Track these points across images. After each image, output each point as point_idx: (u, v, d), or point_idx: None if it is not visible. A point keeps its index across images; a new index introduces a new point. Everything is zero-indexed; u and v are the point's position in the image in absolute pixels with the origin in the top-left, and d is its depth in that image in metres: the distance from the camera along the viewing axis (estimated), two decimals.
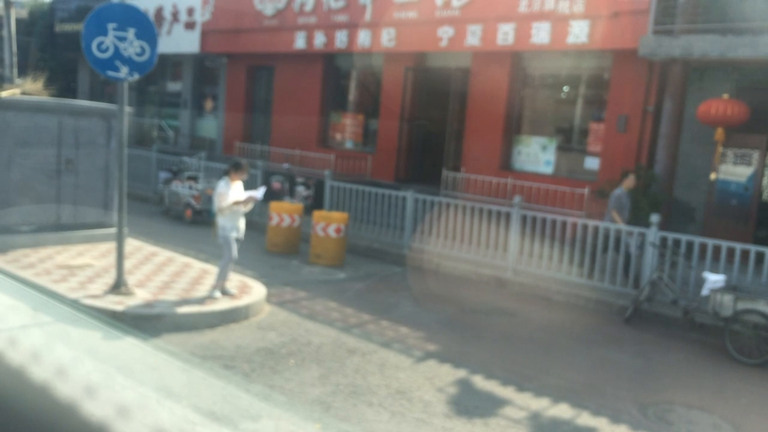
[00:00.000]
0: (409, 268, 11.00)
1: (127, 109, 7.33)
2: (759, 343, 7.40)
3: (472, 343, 7.36)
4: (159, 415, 0.74)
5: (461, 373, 6.33)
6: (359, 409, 5.29)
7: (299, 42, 17.08)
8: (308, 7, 16.84)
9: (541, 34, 12.77)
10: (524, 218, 10.42)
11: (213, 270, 8.57)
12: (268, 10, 17.77)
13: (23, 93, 9.59)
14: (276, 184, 14.91)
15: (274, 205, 11.50)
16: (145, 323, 6.74)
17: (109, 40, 6.99)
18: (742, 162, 11.52)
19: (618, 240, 9.72)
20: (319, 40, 16.59)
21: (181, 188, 13.78)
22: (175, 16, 20.51)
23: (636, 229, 9.49)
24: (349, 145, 17.87)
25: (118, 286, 7.30)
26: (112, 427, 0.70)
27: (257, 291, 8.03)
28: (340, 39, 16.11)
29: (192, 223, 13.28)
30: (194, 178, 14.24)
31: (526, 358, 7.02)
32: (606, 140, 12.91)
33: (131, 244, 9.37)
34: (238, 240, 7.67)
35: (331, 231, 10.58)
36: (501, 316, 8.66)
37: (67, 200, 9.59)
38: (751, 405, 6.29)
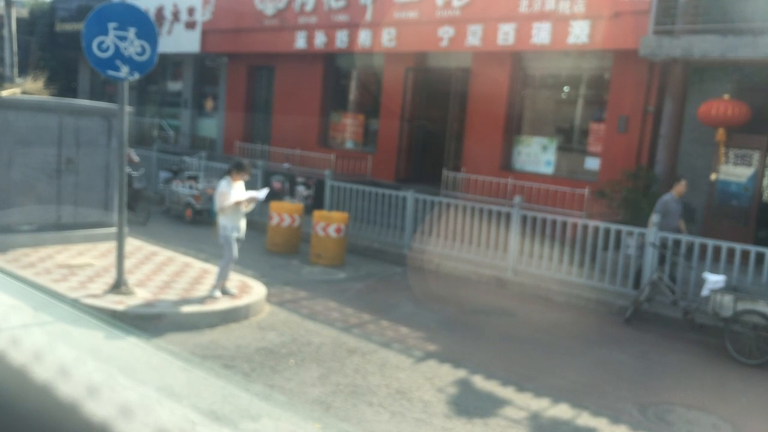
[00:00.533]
0: (409, 268, 10.99)
1: (128, 108, 7.33)
2: (759, 344, 7.40)
3: (472, 343, 7.36)
4: (160, 415, 0.74)
5: (461, 373, 6.33)
6: (359, 409, 5.29)
7: (300, 42, 17.08)
8: (309, 6, 16.84)
9: (541, 34, 12.77)
10: (524, 218, 10.42)
11: (213, 270, 8.58)
12: (269, 9, 17.77)
13: (24, 92, 9.60)
14: (276, 184, 14.91)
15: (274, 205, 11.50)
16: (145, 323, 6.74)
17: (109, 39, 7.00)
18: (743, 162, 11.52)
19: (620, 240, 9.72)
20: (320, 39, 16.60)
21: (182, 188, 13.79)
22: (176, 15, 20.52)
23: (636, 230, 9.49)
24: (349, 145, 17.88)
25: (119, 286, 7.30)
26: (114, 427, 0.70)
27: (257, 291, 8.03)
28: (341, 39, 16.11)
29: (192, 222, 13.29)
30: (194, 178, 14.25)
31: (526, 358, 7.02)
32: (606, 140, 12.91)
33: (131, 243, 9.38)
34: (238, 240, 7.68)
35: (332, 231, 10.58)
36: (501, 317, 8.66)
37: (68, 200, 9.59)
38: (751, 405, 6.30)
